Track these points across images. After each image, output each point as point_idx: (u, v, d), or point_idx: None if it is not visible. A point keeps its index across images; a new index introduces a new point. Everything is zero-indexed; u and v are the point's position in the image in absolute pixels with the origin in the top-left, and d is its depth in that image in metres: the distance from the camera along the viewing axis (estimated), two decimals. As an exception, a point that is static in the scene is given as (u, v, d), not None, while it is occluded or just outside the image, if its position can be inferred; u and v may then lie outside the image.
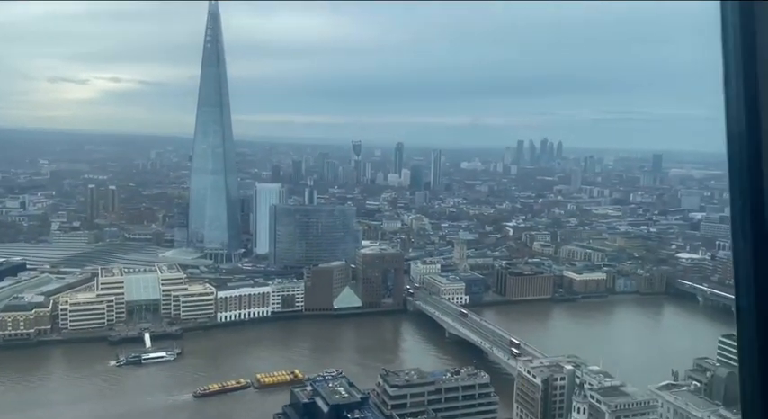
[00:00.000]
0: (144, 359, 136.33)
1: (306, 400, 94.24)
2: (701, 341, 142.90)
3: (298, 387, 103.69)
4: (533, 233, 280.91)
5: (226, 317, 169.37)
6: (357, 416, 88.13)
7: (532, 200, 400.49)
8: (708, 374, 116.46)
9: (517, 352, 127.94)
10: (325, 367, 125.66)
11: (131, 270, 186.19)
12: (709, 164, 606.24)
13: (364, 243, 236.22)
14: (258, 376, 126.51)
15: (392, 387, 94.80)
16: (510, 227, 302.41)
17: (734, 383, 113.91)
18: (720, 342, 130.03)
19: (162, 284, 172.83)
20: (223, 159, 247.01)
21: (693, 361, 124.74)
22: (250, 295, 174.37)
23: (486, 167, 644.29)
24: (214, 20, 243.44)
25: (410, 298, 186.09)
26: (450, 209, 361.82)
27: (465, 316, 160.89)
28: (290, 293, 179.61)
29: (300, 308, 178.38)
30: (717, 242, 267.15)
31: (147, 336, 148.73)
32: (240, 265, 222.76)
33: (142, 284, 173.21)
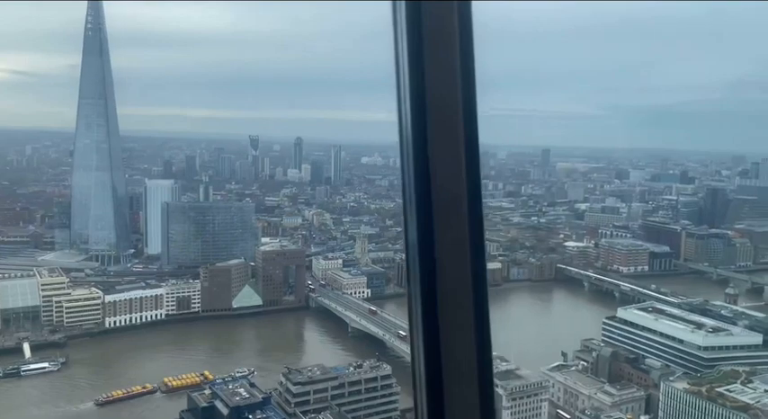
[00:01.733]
0: (23, 371, 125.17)
1: (204, 404, 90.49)
2: (587, 323, 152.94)
3: (195, 391, 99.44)
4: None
5: (115, 322, 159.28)
6: (259, 417, 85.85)
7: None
8: (593, 354, 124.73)
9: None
10: (226, 367, 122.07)
11: (6, 275, 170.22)
12: (591, 158, 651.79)
13: (264, 240, 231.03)
14: (165, 380, 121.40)
15: (295, 384, 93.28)
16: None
17: (616, 361, 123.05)
18: (604, 323, 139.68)
19: (42, 290, 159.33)
20: (109, 155, 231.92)
21: (581, 343, 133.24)
22: (141, 298, 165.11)
23: (387, 162, 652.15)
24: (95, 6, 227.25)
25: (312, 295, 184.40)
26: (352, 204, 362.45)
27: (374, 313, 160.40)
28: (186, 294, 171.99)
29: (197, 310, 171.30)
30: (599, 230, 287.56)
31: (26, 346, 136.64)
32: (130, 267, 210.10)
33: (19, 290, 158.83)
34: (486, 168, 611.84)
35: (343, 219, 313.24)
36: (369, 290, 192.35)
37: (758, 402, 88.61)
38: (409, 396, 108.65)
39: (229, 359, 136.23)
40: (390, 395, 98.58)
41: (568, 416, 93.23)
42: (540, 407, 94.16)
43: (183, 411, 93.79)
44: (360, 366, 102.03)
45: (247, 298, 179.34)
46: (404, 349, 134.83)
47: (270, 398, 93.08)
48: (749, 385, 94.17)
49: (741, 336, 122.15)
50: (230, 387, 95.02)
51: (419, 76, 4.36)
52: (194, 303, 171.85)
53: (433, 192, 4.52)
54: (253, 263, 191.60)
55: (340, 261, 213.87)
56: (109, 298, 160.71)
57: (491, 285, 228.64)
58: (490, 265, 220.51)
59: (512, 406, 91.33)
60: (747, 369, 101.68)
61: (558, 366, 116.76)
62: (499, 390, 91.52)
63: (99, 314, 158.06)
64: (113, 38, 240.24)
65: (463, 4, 4.34)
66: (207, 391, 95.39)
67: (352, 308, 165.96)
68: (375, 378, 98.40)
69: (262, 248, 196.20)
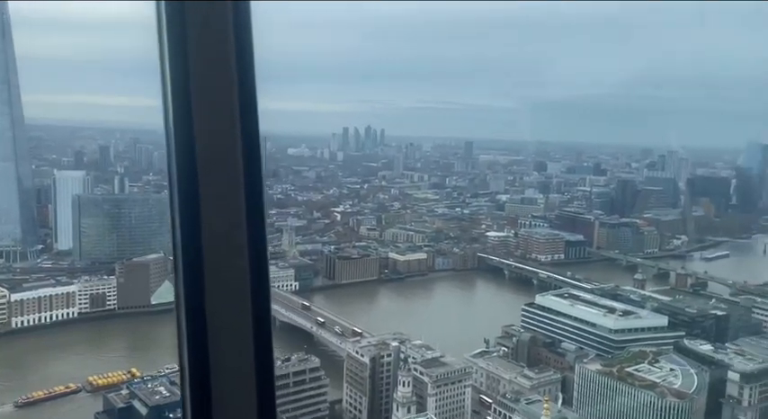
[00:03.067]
0: None
1: (121, 405, 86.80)
2: (508, 310, 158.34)
3: (111, 391, 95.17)
4: (360, 217, 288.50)
5: (23, 322, 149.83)
6: (180, 415, 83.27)
7: (359, 186, 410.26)
8: (513, 340, 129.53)
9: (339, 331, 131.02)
10: (146, 366, 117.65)
11: None
12: (511, 151, 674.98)
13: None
14: (90, 378, 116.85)
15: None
16: (338, 212, 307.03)
17: (535, 346, 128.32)
18: (523, 310, 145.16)
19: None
20: (13, 144, 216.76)
21: (502, 329, 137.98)
22: (52, 296, 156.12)
23: (314, 153, 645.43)
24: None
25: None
26: (279, 196, 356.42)
27: (308, 308, 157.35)
28: (100, 291, 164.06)
29: (113, 307, 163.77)
30: (519, 221, 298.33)
31: None
32: (38, 263, 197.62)
33: None
34: (412, 160, 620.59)
35: (270, 211, 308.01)
36: (297, 283, 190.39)
37: (664, 380, 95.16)
38: (338, 389, 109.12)
39: (150, 357, 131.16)
40: (319, 387, 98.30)
41: (490, 401, 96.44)
42: (464, 393, 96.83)
43: (98, 413, 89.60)
44: (288, 359, 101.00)
45: (167, 293, 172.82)
46: (333, 341, 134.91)
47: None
48: (656, 364, 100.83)
49: (648, 319, 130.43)
50: (149, 385, 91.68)
51: (183, 72, 4.29)
52: (110, 300, 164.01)
53: (201, 189, 4.46)
54: (172, 258, 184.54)
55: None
56: (15, 296, 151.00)
57: (418, 275, 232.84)
58: (415, 256, 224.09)
59: (436, 393, 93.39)
60: (654, 349, 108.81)
61: (480, 352, 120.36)
62: (424, 378, 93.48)
63: (4, 314, 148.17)
64: (18, 20, 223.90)
65: (238, 3, 4.31)
66: (124, 391, 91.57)
67: (279, 302, 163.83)
68: (303, 372, 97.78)
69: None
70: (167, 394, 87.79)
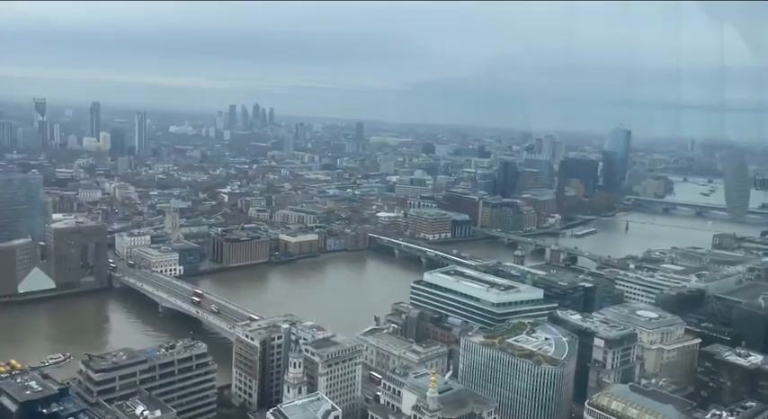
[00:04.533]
0: None
1: (-15, 404, 79.30)
2: (398, 288, 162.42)
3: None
4: (249, 199, 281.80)
5: None
6: (55, 410, 77.51)
7: (247, 166, 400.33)
8: (403, 316, 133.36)
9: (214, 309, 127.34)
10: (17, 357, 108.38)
11: None
12: (401, 133, 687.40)
13: (56, 216, 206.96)
14: None
15: (97, 372, 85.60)
16: (225, 193, 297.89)
17: (423, 321, 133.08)
18: (412, 287, 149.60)
19: None
20: None
21: (391, 306, 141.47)
22: None
23: (198, 132, 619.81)
24: None
25: (116, 275, 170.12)
26: (160, 176, 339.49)
27: (201, 296, 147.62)
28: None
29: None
30: (408, 201, 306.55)
31: None
32: None
33: None
34: (303, 140, 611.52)
35: (151, 192, 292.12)
36: (181, 267, 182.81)
37: (540, 349, 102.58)
38: (227, 373, 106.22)
39: (20, 349, 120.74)
40: (207, 373, 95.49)
41: (380, 376, 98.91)
42: (355, 371, 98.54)
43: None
44: (172, 346, 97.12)
45: (37, 281, 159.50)
46: (221, 325, 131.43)
47: (68, 389, 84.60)
48: (533, 335, 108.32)
49: (526, 293, 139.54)
50: (18, 380, 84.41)
51: None
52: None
53: None
54: (43, 243, 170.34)
55: (148, 237, 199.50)
56: None
57: (309, 256, 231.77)
58: (306, 237, 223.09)
59: (327, 372, 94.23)
60: (532, 320, 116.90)
61: (371, 330, 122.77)
62: (315, 358, 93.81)
63: None
64: None
65: None
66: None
67: (162, 287, 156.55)
68: (189, 358, 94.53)
69: (53, 225, 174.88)
70: (39, 388, 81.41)
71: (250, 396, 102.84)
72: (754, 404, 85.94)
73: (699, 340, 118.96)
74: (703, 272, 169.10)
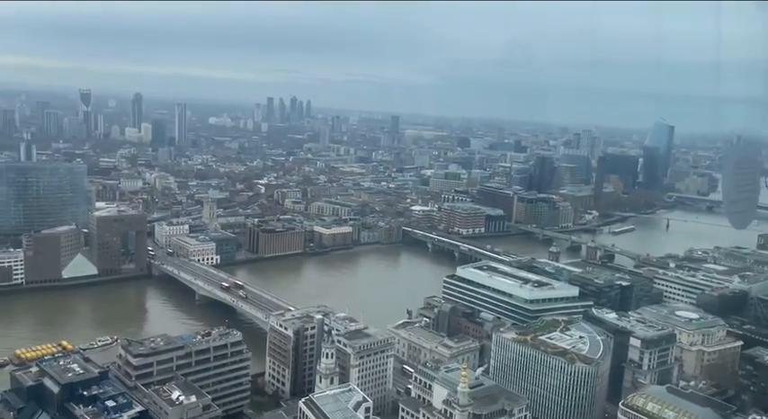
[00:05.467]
0: None
1: (31, 383, 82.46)
2: (430, 282, 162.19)
3: (20, 369, 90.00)
4: (285, 190, 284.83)
5: None
6: (95, 392, 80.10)
7: (283, 158, 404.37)
8: (435, 310, 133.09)
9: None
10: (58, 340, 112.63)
11: None
12: (436, 126, 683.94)
13: (99, 204, 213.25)
14: (18, 352, 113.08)
15: (135, 356, 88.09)
16: (262, 184, 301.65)
17: (455, 316, 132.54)
18: (444, 281, 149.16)
19: None
20: None
21: (424, 300, 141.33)
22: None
23: (236, 124, 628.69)
24: None
25: (155, 263, 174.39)
26: (199, 167, 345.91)
27: (240, 287, 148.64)
28: (6, 265, 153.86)
29: (20, 281, 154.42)
30: (442, 195, 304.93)
31: None
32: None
33: None
34: (339, 133, 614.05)
35: (189, 183, 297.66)
36: (218, 257, 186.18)
37: (574, 347, 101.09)
38: (261, 361, 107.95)
39: (66, 331, 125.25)
40: (241, 361, 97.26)
41: (412, 370, 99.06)
42: (386, 363, 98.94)
43: (5, 392, 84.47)
44: (208, 334, 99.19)
45: (80, 267, 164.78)
46: (256, 314, 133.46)
47: (107, 373, 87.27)
48: (567, 332, 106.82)
49: (561, 290, 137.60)
50: (61, 363, 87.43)
51: None
52: (16, 274, 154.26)
53: None
54: (86, 230, 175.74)
55: (186, 226, 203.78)
56: None
57: (343, 248, 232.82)
58: (341, 229, 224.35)
59: (359, 364, 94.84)
60: (566, 318, 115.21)
61: (403, 323, 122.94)
62: (347, 349, 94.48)
63: None
64: None
65: None
66: (34, 369, 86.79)
67: (200, 276, 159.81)
68: (225, 346, 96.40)
69: (96, 213, 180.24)
70: (81, 371, 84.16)
71: (283, 384, 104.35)
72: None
73: (741, 342, 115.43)
74: (747, 273, 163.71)
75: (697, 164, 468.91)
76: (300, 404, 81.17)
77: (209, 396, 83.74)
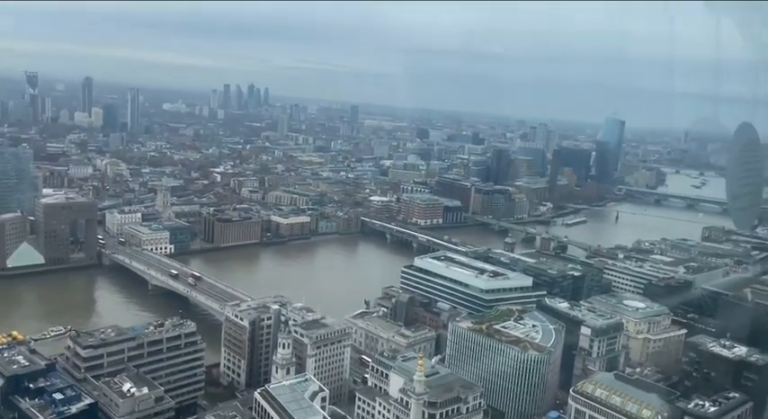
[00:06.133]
0: None
1: (-28, 377, 79.19)
2: (388, 272, 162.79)
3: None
4: (242, 179, 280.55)
5: None
6: (42, 385, 77.54)
7: (240, 146, 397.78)
8: (393, 300, 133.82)
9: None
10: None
11: None
12: (395, 117, 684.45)
13: (46, 191, 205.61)
14: None
15: (85, 348, 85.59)
16: (218, 172, 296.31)
17: (412, 306, 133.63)
18: (403, 271, 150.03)
19: None
20: None
21: (382, 290, 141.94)
22: None
23: (192, 110, 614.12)
24: None
25: (106, 252, 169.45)
26: (152, 154, 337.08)
27: (199, 279, 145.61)
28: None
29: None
30: (401, 186, 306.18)
31: None
32: None
33: None
34: (297, 122, 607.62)
35: (143, 170, 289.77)
36: (172, 246, 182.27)
37: (527, 335, 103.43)
38: (216, 352, 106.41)
39: (11, 322, 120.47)
40: (195, 352, 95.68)
41: (368, 359, 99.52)
42: (344, 353, 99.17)
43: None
44: (161, 325, 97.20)
45: (26, 256, 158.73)
46: (211, 305, 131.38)
47: (54, 365, 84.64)
48: (520, 321, 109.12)
49: (515, 280, 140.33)
50: (5, 355, 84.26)
51: None
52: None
53: None
54: (32, 218, 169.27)
55: (139, 214, 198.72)
56: None
57: (300, 238, 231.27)
58: (299, 219, 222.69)
59: (316, 354, 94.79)
60: (520, 307, 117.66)
61: (360, 313, 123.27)
62: (304, 340, 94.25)
63: None
64: None
65: None
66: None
67: (152, 265, 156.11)
68: (178, 337, 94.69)
69: (43, 200, 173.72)
70: (26, 363, 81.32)
71: (238, 375, 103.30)
72: (736, 395, 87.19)
73: (684, 330, 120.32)
74: (692, 264, 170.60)
75: (646, 159, 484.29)
76: (256, 394, 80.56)
77: (162, 388, 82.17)
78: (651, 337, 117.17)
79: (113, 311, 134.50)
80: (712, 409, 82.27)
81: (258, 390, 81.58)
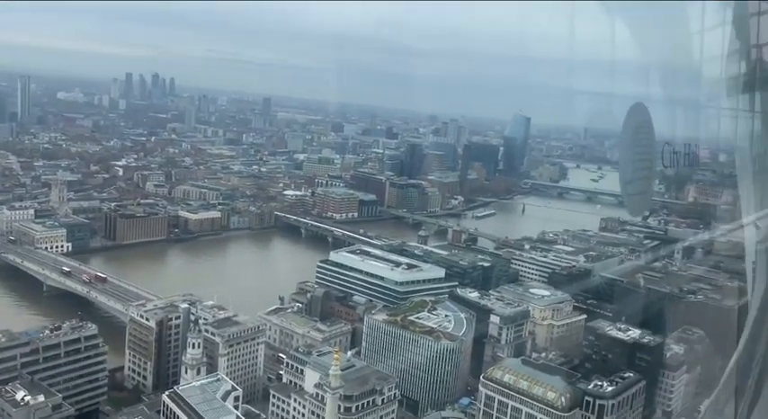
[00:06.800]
0: None
1: None
2: (304, 267, 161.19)
3: None
4: (146, 173, 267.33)
5: None
6: None
7: (144, 138, 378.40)
8: (308, 295, 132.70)
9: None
10: None
11: None
12: (310, 110, 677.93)
13: None
14: None
15: (-30, 357, 78.75)
16: (120, 166, 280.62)
17: (328, 300, 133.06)
18: (318, 266, 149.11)
19: None
20: None
21: (297, 286, 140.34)
22: None
23: (90, 100, 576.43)
24: None
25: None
26: (46, 146, 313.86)
27: (104, 280, 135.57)
28: None
29: None
30: (316, 180, 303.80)
31: None
32: None
33: None
34: (206, 113, 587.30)
35: (35, 163, 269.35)
36: (69, 244, 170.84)
37: (440, 325, 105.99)
38: (119, 356, 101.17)
39: None
40: (97, 355, 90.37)
41: (284, 356, 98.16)
42: (257, 350, 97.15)
43: None
44: (58, 328, 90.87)
45: None
46: (114, 306, 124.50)
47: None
48: (434, 312, 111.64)
49: (429, 272, 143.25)
50: None
51: None
52: None
53: None
54: None
55: (31, 211, 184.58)
56: None
57: (211, 234, 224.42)
58: (208, 214, 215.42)
59: (228, 353, 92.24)
60: (433, 298, 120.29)
61: (275, 309, 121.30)
62: (216, 338, 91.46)
63: None
64: None
65: None
66: None
67: (47, 264, 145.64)
68: (77, 340, 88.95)
69: None
70: None
71: (145, 378, 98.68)
72: (631, 375, 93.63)
73: (585, 316, 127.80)
74: (591, 253, 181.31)
75: (550, 154, 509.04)
76: (164, 397, 77.31)
77: (60, 395, 77.02)
78: (555, 323, 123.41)
79: (3, 315, 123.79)
80: (610, 389, 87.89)
81: (166, 392, 78.33)
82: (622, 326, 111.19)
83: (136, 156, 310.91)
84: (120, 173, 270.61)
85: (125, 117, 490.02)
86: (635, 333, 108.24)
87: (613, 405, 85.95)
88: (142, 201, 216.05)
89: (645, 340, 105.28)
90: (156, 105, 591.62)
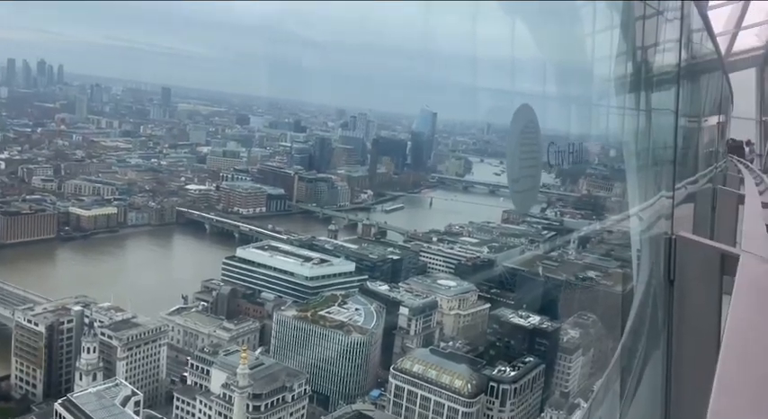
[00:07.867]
0: None
1: None
2: (209, 264, 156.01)
3: None
4: (32, 166, 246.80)
5: None
6: None
7: (30, 130, 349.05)
8: (213, 293, 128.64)
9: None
10: None
11: None
12: (213, 101, 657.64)
13: None
14: None
15: None
16: (1, 159, 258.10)
17: (235, 298, 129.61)
18: (224, 263, 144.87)
19: None
20: None
21: (201, 284, 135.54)
22: None
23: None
24: None
25: None
26: None
27: None
28: None
29: None
30: (221, 174, 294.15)
31: None
32: None
33: None
34: (99, 103, 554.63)
35: None
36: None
37: (351, 319, 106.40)
38: (6, 363, 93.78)
39: None
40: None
41: (188, 357, 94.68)
42: (159, 352, 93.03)
43: None
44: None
45: None
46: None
47: None
48: (344, 306, 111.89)
49: (339, 266, 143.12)
50: None
51: None
52: None
53: None
54: None
55: None
56: None
57: (106, 231, 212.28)
58: (103, 210, 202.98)
59: (127, 356, 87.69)
60: (343, 292, 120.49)
61: (177, 309, 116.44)
62: (113, 342, 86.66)
63: None
64: None
65: None
66: None
67: None
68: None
69: None
70: None
71: (34, 387, 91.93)
72: (531, 359, 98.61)
73: (488, 305, 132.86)
74: (494, 244, 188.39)
75: (455, 148, 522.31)
76: (56, 405, 72.43)
77: (-68, 413, 69.90)
78: (461, 313, 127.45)
79: None
80: (512, 373, 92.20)
81: (59, 401, 73.35)
82: (523, 314, 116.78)
83: (20, 149, 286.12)
84: (2, 166, 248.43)
85: (7, 106, 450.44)
86: (535, 319, 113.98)
87: (516, 389, 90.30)
88: (28, 197, 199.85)
89: (544, 325, 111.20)
90: (42, 94, 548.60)
